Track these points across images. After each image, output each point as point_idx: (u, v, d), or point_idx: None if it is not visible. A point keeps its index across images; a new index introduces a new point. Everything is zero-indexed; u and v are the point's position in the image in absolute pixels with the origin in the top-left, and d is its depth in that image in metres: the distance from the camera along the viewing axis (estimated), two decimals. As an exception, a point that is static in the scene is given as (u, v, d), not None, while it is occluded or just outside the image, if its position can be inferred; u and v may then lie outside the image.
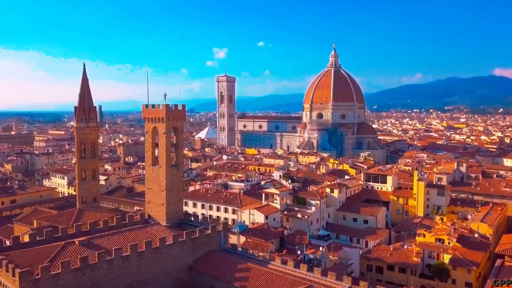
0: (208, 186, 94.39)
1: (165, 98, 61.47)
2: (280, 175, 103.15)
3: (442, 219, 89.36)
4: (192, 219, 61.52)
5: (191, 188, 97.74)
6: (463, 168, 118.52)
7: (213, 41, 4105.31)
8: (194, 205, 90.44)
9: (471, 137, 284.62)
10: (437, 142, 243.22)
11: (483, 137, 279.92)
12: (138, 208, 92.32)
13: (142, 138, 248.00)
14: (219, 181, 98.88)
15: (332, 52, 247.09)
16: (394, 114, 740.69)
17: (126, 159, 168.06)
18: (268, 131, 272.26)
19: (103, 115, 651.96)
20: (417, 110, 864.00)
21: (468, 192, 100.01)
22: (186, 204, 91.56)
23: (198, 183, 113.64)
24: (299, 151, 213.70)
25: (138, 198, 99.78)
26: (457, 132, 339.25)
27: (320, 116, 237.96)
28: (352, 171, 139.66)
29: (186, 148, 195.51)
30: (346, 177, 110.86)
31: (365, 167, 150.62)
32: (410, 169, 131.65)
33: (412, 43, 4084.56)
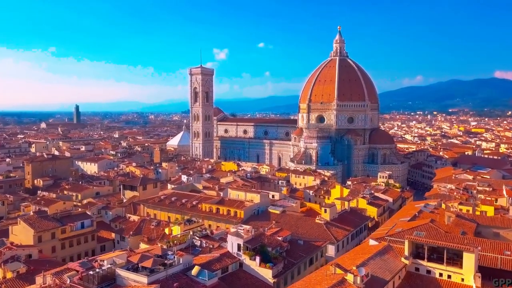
0: (68, 281, 40.76)
1: None
2: (239, 245, 49.70)
3: None
4: None
5: (39, 280, 43.86)
6: None
7: (214, 42, 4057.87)
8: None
9: (502, 145, 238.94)
10: (466, 153, 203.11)
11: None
12: None
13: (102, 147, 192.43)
14: (103, 265, 45.06)
15: (337, 37, 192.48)
16: (398, 117, 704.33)
17: (35, 181, 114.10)
18: (254, 137, 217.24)
19: (80, 115, 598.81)
20: (420, 113, 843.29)
21: None
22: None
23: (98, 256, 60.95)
24: (292, 165, 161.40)
25: None
26: (481, 138, 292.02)
27: (320, 119, 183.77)
28: (373, 211, 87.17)
29: (134, 164, 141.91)
30: (371, 242, 56.61)
31: (390, 199, 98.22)
32: (471, 211, 79.85)
33: (412, 45, 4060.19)
